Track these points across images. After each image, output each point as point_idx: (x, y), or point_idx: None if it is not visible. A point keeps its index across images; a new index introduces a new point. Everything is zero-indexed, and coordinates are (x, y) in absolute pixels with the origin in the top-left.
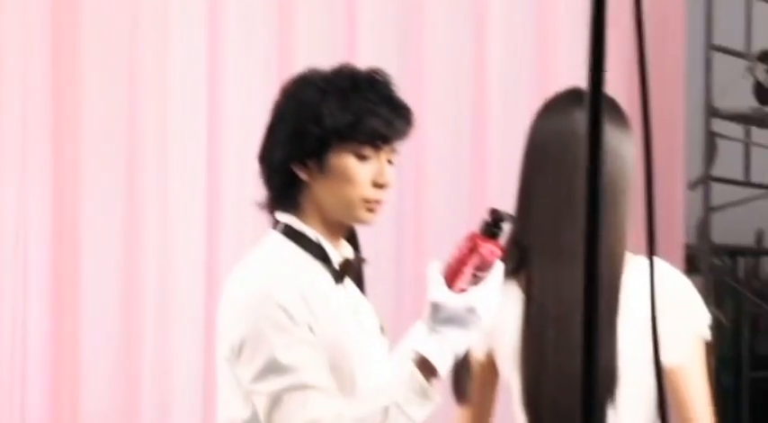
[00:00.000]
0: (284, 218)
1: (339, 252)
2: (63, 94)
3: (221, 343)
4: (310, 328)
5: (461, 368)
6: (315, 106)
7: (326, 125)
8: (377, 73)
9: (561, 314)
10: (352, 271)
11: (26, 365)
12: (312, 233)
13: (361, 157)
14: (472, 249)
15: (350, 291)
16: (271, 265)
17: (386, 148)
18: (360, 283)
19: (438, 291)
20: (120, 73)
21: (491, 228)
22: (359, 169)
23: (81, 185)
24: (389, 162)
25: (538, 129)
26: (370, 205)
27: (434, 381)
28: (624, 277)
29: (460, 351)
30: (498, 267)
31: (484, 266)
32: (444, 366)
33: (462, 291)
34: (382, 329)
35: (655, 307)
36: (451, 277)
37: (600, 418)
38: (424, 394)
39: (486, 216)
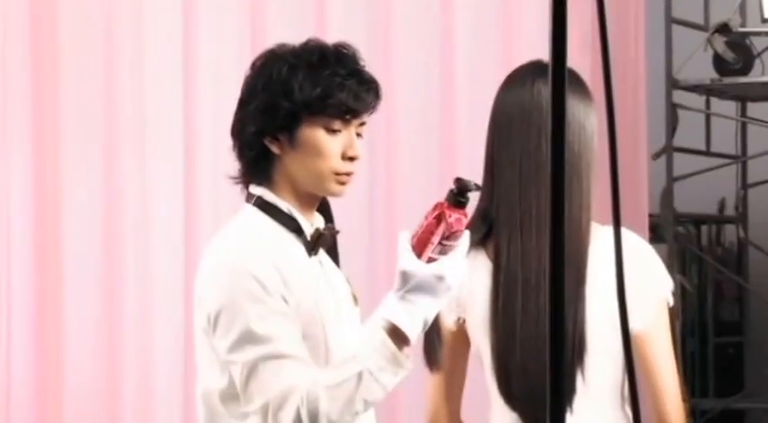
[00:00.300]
0: (257, 191)
1: (311, 223)
2: (42, 86)
3: (198, 313)
4: (284, 299)
5: (432, 335)
6: (284, 81)
7: (296, 99)
8: (345, 47)
9: (529, 282)
10: (324, 242)
11: (10, 357)
12: (284, 205)
13: (331, 131)
14: (439, 218)
15: (323, 262)
16: (245, 238)
17: (355, 122)
18: (333, 254)
19: (407, 260)
20: (96, 56)
21: (457, 197)
22: (329, 142)
23: (61, 165)
24: (359, 135)
25: (501, 101)
26: (341, 178)
27: (406, 348)
28: (590, 246)
29: (430, 318)
30: (465, 236)
31: (451, 235)
32: (415, 334)
33: (431, 260)
34: (355, 300)
35: (622, 274)
36: (420, 247)
37: (568, 383)
38: (395, 362)
39: (452, 185)
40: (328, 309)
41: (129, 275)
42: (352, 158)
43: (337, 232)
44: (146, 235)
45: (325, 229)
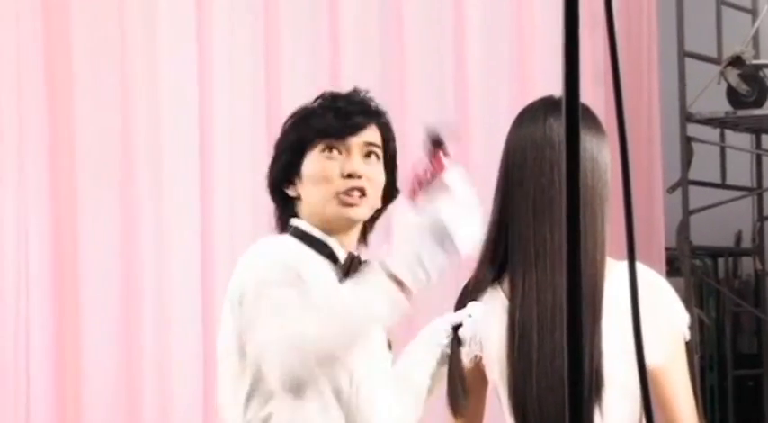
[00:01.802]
0: (294, 222)
1: (345, 250)
2: (57, 103)
3: (226, 304)
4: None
5: (455, 382)
6: (288, 131)
7: (292, 139)
8: (353, 89)
9: (544, 318)
10: (356, 268)
11: (29, 366)
12: (318, 232)
13: (329, 155)
14: (425, 165)
15: None
16: (277, 247)
17: (352, 142)
18: None
19: (404, 211)
20: (112, 80)
21: (434, 142)
22: (327, 165)
23: (78, 186)
24: (368, 155)
25: (514, 137)
26: (344, 198)
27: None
28: (605, 282)
29: (428, 264)
30: (455, 177)
31: (439, 170)
32: (412, 280)
33: (426, 202)
34: (390, 345)
35: (638, 310)
36: (413, 194)
37: (586, 419)
38: (391, 299)
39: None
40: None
41: (147, 303)
42: (350, 175)
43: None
44: (162, 260)
45: (358, 258)
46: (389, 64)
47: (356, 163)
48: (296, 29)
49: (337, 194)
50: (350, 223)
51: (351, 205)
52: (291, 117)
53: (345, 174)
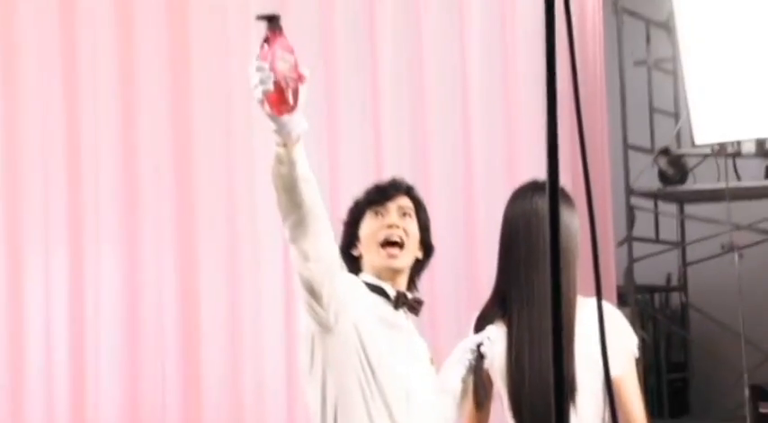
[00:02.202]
0: (361, 276)
1: (395, 289)
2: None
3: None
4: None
5: (479, 385)
6: (350, 212)
7: (352, 215)
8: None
9: (533, 341)
10: (403, 300)
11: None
12: (375, 280)
13: (375, 217)
14: (269, 42)
15: (409, 330)
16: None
17: (390, 205)
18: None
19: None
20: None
21: (270, 26)
22: (374, 223)
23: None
24: (404, 215)
25: (509, 210)
26: (387, 249)
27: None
28: (576, 314)
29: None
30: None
31: (288, 49)
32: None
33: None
34: (432, 361)
35: (604, 335)
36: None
37: (566, 418)
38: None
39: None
40: (396, 353)
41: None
42: (390, 226)
43: (421, 302)
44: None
45: (405, 295)
46: (418, 160)
47: (394, 217)
48: (351, 135)
49: (383, 246)
50: (394, 271)
51: (393, 257)
52: (352, 205)
53: (386, 225)
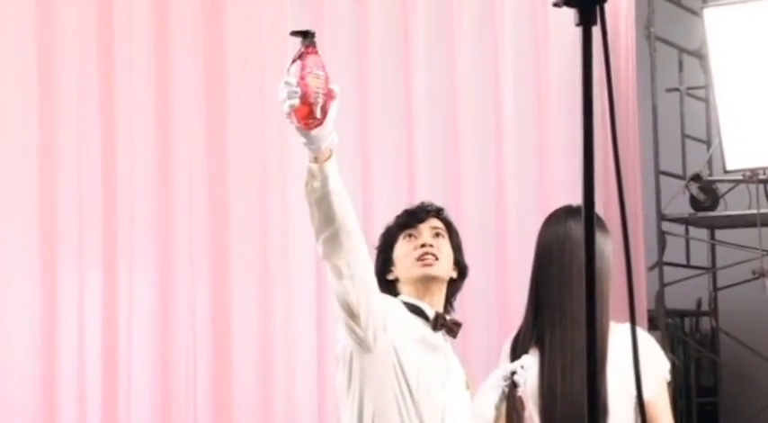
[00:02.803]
0: (399, 298)
1: (433, 309)
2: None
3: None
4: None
5: (512, 412)
6: (383, 237)
7: (385, 240)
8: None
9: (565, 365)
10: (441, 321)
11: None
12: (413, 300)
13: (408, 240)
14: (303, 57)
15: (447, 352)
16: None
17: (422, 227)
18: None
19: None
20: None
21: (305, 41)
22: (407, 245)
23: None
24: (437, 235)
25: (543, 235)
26: (424, 259)
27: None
28: (609, 338)
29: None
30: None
31: (319, 65)
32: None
33: (308, 78)
34: (467, 385)
35: (638, 360)
36: (303, 85)
37: None
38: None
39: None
40: (433, 374)
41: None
42: (423, 245)
43: (459, 324)
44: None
45: (443, 316)
46: (450, 184)
47: (427, 237)
48: (385, 167)
49: (417, 260)
50: (432, 279)
51: (429, 265)
52: (384, 230)
53: (419, 245)
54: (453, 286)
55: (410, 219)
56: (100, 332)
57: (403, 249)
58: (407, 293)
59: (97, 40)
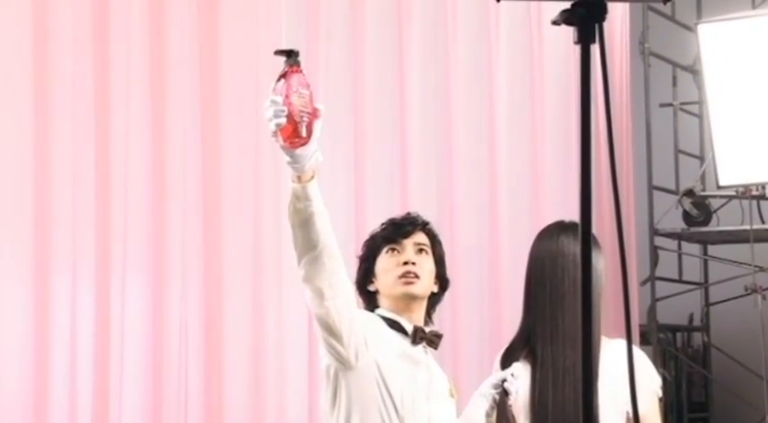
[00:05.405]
0: (377, 311)
1: (412, 324)
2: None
3: None
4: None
5: (503, 420)
6: (365, 247)
7: (368, 251)
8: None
9: (557, 378)
10: (420, 335)
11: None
12: (391, 315)
13: (392, 254)
14: (287, 76)
15: (429, 365)
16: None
17: (406, 242)
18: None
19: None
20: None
21: (289, 61)
22: (390, 260)
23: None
24: (420, 252)
25: (535, 250)
26: (405, 279)
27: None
28: (600, 353)
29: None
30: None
31: (304, 85)
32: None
33: (292, 100)
34: (452, 394)
35: (633, 375)
36: (289, 104)
37: None
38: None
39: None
40: (417, 388)
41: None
42: (406, 263)
43: (440, 335)
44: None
45: (422, 329)
46: (443, 197)
47: (410, 255)
48: (378, 179)
49: (399, 278)
50: (412, 298)
51: (410, 283)
52: (368, 239)
53: (402, 262)
54: (433, 299)
55: (395, 233)
56: (92, 342)
57: (385, 264)
58: (387, 307)
59: (93, 39)
